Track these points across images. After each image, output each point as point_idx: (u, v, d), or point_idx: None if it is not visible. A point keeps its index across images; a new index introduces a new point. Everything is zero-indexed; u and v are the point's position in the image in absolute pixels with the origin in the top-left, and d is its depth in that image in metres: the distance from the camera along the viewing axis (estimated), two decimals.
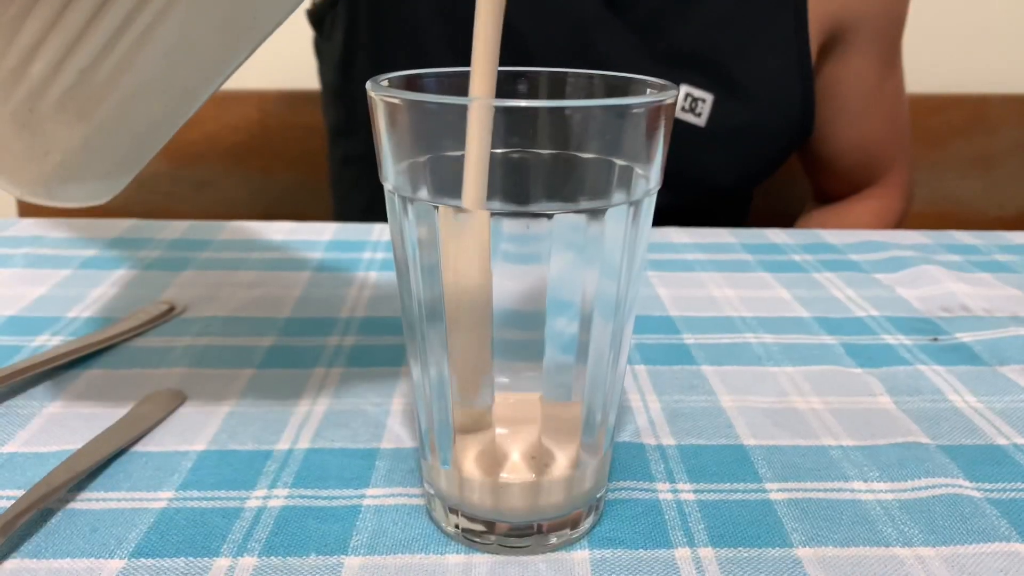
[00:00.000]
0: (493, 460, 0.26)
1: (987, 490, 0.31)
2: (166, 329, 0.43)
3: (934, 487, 0.31)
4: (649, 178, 0.25)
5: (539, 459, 0.27)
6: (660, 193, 0.74)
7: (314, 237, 0.57)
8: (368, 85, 0.25)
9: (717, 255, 0.56)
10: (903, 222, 0.83)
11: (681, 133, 0.68)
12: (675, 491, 0.30)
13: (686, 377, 0.39)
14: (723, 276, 0.52)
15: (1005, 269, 0.54)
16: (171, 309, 0.45)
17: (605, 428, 0.27)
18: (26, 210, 0.99)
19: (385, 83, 0.26)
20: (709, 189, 0.71)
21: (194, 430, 0.34)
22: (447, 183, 0.24)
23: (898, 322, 0.45)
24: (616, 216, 0.24)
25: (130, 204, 0.98)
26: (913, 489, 0.31)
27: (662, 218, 0.73)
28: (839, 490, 0.30)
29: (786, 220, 0.85)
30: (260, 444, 0.33)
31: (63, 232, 0.57)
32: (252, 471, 0.31)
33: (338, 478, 0.31)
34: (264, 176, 0.99)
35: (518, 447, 0.27)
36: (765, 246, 0.58)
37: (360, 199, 0.79)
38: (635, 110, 0.23)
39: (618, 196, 0.25)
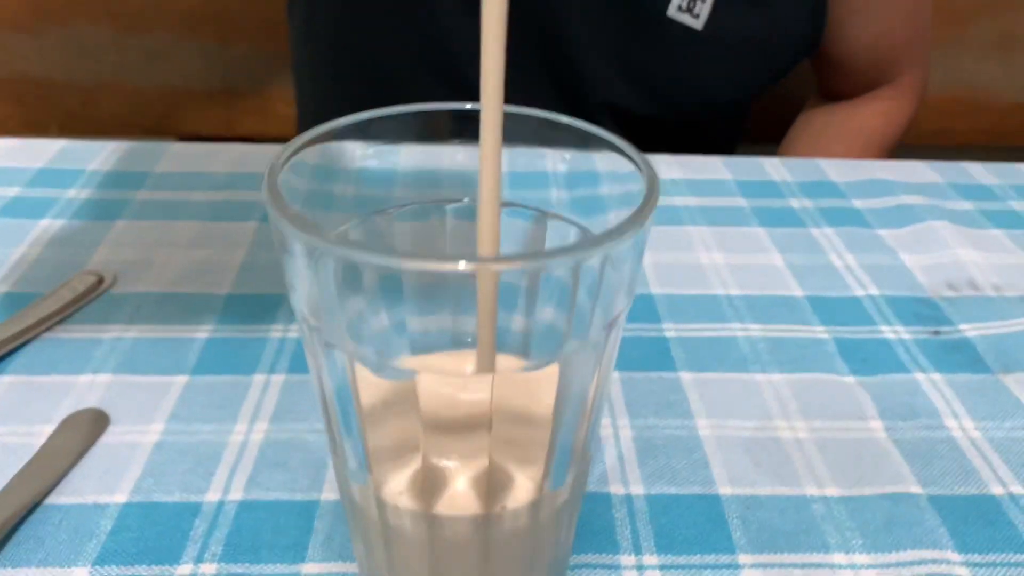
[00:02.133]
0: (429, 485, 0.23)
1: (976, 564, 0.28)
2: (93, 311, 0.39)
3: (920, 562, 0.28)
4: (612, 309, 0.21)
5: (490, 486, 0.23)
6: (650, 104, 0.67)
7: (263, 168, 0.51)
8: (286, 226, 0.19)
9: (708, 199, 0.51)
10: (912, 121, 0.77)
11: (676, 36, 0.60)
12: (640, 567, 0.28)
13: (663, 390, 0.35)
14: (713, 233, 0.47)
15: (1019, 223, 0.50)
16: (100, 282, 0.41)
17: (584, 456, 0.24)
18: None
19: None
20: (703, 100, 0.64)
21: (116, 470, 0.30)
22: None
23: (898, 305, 0.42)
24: (572, 362, 0.20)
25: (76, 76, 0.90)
26: (897, 564, 0.28)
27: (653, 130, 0.67)
28: (819, 565, 0.28)
29: (787, 120, 0.79)
30: (188, 493, 0.30)
31: None
32: (179, 533, 0.28)
33: (272, 546, 0.28)
34: (220, 45, 0.90)
35: (463, 471, 0.24)
36: (761, 186, 0.53)
37: (323, 67, 0.70)
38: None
39: (573, 342, 0.20)
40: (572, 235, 0.24)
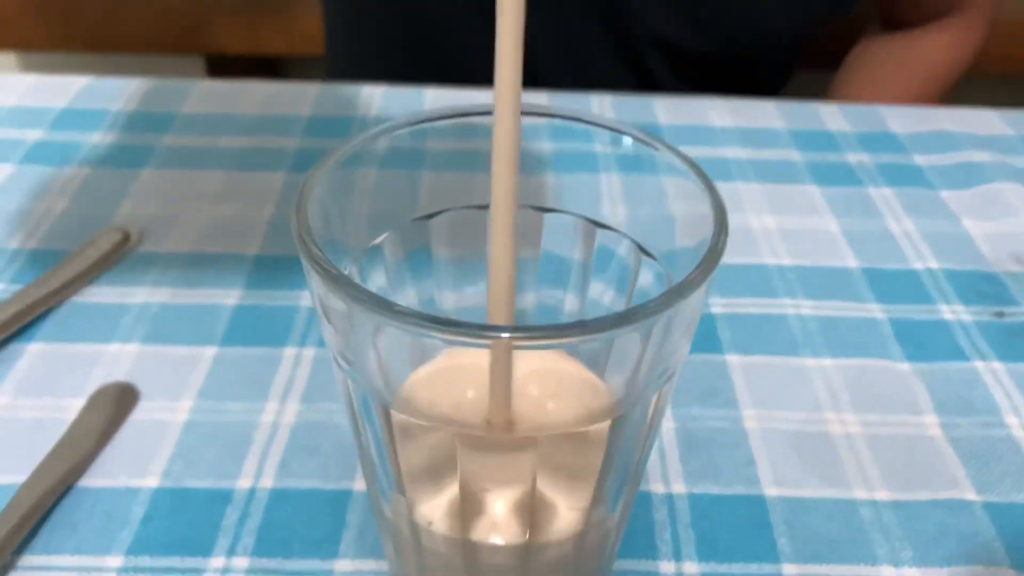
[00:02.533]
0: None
1: None
2: (120, 272, 0.38)
3: None
4: (667, 362, 0.19)
5: (533, 516, 0.22)
6: (701, 38, 0.64)
7: (293, 110, 0.49)
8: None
9: (760, 151, 0.48)
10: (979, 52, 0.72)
11: None
12: None
13: (709, 375, 0.34)
14: (764, 191, 0.45)
15: None
16: (126, 239, 0.39)
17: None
18: None
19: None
20: (759, 35, 0.60)
21: (147, 450, 0.30)
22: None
23: (959, 281, 0.39)
24: (620, 425, 0.19)
25: None
26: None
27: (703, 66, 0.63)
28: None
29: (845, 45, 0.74)
30: (219, 479, 0.29)
31: (5, 95, 0.49)
32: (210, 524, 0.28)
33: (304, 540, 0.27)
34: None
35: (504, 498, 0.23)
36: (817, 137, 0.50)
37: None
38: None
39: (619, 402, 0.19)
40: (624, 249, 0.22)
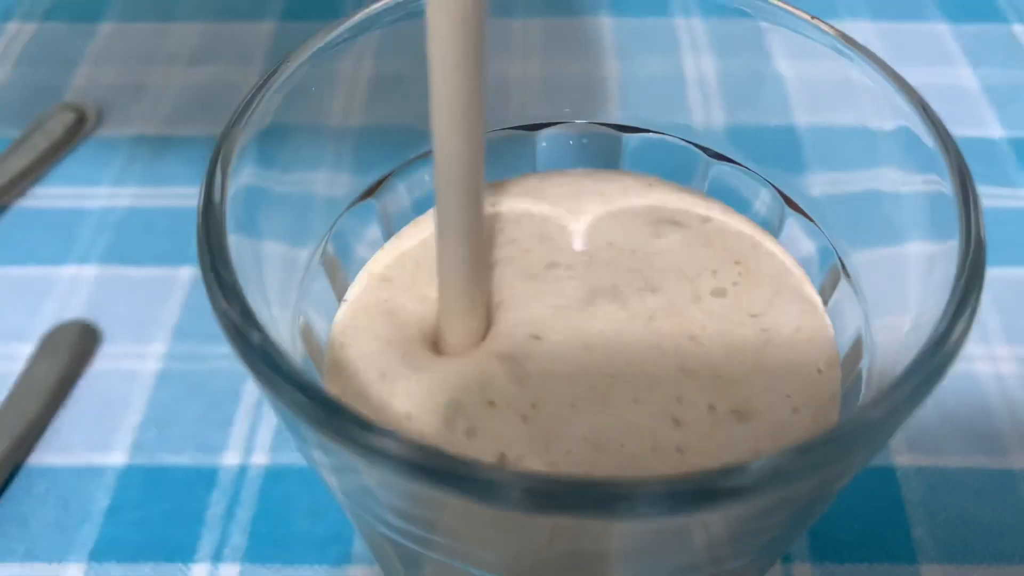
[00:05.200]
0: None
1: None
2: (74, 165, 0.30)
3: None
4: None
5: None
6: None
7: None
8: None
9: None
10: None
11: None
12: None
13: None
14: (878, 31, 0.35)
15: None
16: (81, 120, 0.32)
17: None
18: None
19: None
20: None
21: (112, 413, 0.24)
22: None
23: None
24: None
25: None
26: None
27: None
28: None
29: None
30: (201, 453, 0.23)
31: None
32: (191, 516, 0.22)
33: (308, 539, 0.22)
34: None
35: None
36: None
37: None
38: None
39: None
40: (764, 198, 0.14)
